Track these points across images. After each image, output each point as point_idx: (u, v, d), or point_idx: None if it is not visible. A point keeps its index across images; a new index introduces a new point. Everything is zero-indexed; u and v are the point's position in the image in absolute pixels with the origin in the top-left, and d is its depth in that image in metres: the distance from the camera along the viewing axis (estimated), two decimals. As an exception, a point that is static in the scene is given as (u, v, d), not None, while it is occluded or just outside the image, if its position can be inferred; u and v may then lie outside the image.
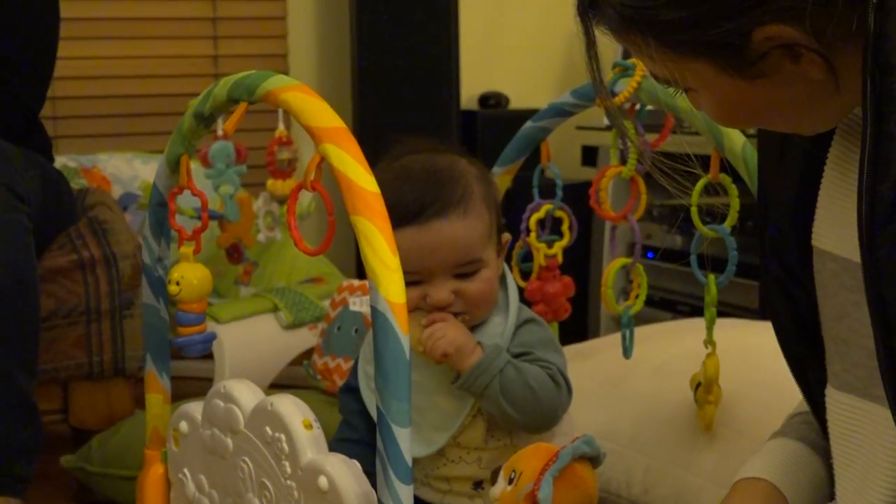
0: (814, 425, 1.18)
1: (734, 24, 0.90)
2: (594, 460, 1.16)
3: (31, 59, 2.21)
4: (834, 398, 1.06)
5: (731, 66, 0.93)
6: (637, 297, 1.60)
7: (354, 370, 1.45)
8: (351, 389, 1.45)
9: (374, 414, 1.38)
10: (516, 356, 1.35)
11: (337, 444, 1.40)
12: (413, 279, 1.30)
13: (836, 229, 1.02)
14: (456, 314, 1.35)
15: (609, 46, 1.05)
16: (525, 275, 1.69)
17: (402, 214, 1.31)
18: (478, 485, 1.38)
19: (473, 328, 1.37)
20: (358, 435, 1.41)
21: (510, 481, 1.15)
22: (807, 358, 1.12)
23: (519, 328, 1.38)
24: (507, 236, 1.41)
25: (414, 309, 1.32)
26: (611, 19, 0.96)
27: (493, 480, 1.18)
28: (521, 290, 1.51)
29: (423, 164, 1.36)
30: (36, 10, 2.21)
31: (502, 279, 1.41)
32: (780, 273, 1.12)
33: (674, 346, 1.81)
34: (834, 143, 1.04)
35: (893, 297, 0.87)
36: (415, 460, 1.35)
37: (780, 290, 1.13)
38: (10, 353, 1.86)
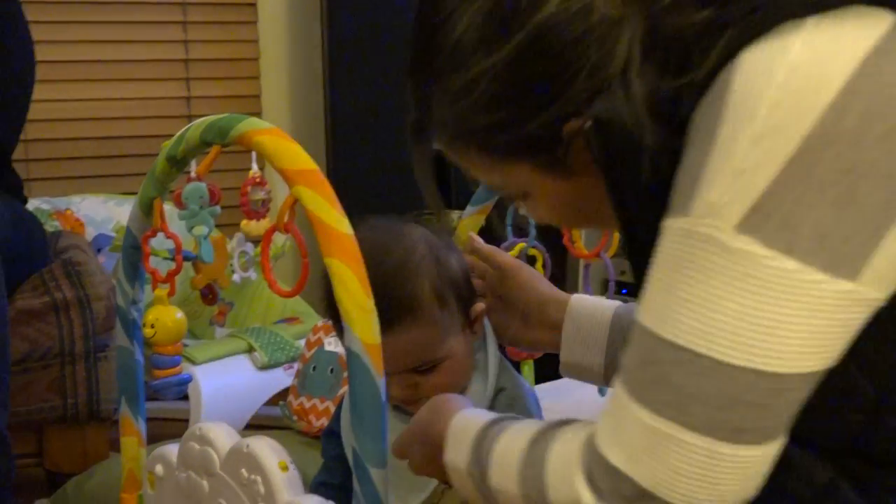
0: None
1: (541, 120, 0.93)
2: None
3: (6, 99, 2.21)
4: None
5: (547, 164, 0.97)
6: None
7: (337, 414, 1.45)
8: (332, 433, 1.44)
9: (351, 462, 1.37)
10: None
11: (316, 487, 1.40)
12: None
13: None
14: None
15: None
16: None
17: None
18: None
19: None
20: (338, 479, 1.40)
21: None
22: None
23: (497, 396, 1.34)
24: (478, 307, 1.35)
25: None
26: (441, 136, 1.02)
27: None
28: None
29: (372, 267, 1.23)
30: (11, 51, 2.21)
31: (483, 339, 1.38)
32: None
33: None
34: None
35: None
36: None
37: None
38: None
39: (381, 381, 1.02)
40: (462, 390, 1.35)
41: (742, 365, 0.82)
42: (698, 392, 0.83)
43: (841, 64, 0.79)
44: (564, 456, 0.92)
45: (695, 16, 0.85)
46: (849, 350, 0.84)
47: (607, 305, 1.36)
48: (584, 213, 1.04)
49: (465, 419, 1.08)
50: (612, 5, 0.87)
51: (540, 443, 0.95)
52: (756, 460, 0.85)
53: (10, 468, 1.91)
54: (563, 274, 3.31)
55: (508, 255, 1.42)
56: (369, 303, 1.02)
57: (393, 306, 1.26)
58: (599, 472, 0.87)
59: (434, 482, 1.33)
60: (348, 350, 1.03)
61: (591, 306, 1.36)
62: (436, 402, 1.15)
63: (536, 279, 1.39)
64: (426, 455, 1.12)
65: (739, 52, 0.82)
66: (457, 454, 1.05)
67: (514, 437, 0.99)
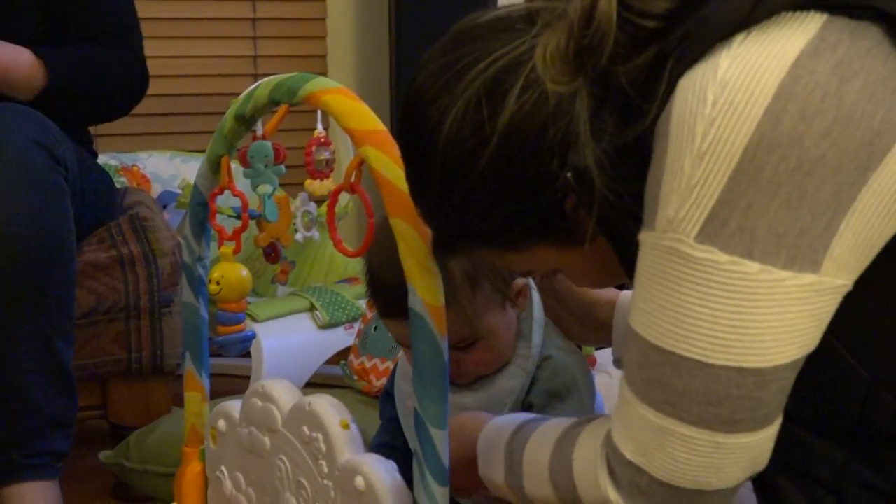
0: None
1: (542, 206, 0.97)
2: None
3: (135, 22, 2.31)
4: None
5: (563, 240, 1.01)
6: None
7: (392, 376, 1.45)
8: (389, 395, 1.45)
9: (405, 429, 1.37)
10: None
11: (377, 448, 1.40)
12: None
13: None
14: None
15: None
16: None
17: (381, 309, 1.33)
18: None
19: (496, 371, 1.35)
20: (399, 441, 1.40)
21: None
22: None
23: (540, 366, 1.34)
24: (518, 283, 1.34)
25: None
26: (461, 248, 1.06)
27: None
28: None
29: (395, 258, 1.21)
30: None
31: (529, 308, 1.36)
32: None
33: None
34: None
35: None
36: None
37: None
38: (47, 317, 1.85)
39: (443, 343, 1.03)
40: (507, 361, 1.35)
41: (724, 364, 0.86)
42: (689, 390, 0.87)
43: (770, 72, 0.82)
44: (588, 455, 0.98)
45: (637, 60, 0.88)
46: (841, 338, 0.88)
47: None
48: (617, 272, 1.06)
49: (490, 434, 1.14)
50: (563, 84, 0.90)
51: (565, 445, 1.01)
52: (756, 443, 0.89)
53: (74, 407, 1.93)
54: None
55: None
56: (433, 264, 1.02)
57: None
58: (618, 466, 0.93)
59: None
60: (411, 311, 1.03)
61: None
62: (458, 427, 1.19)
63: None
64: (469, 479, 1.18)
65: (679, 79, 0.85)
66: (491, 470, 1.12)
67: (540, 443, 1.06)
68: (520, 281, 1.34)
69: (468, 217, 0.99)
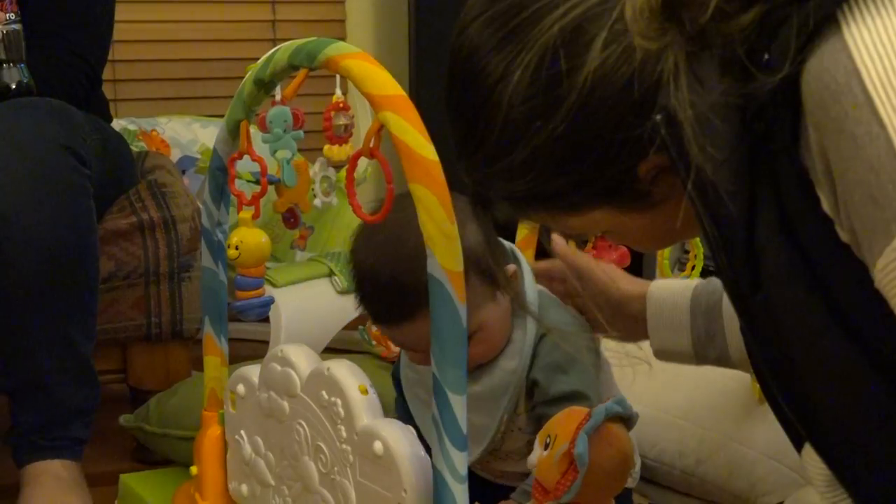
0: None
1: (615, 169, 0.91)
2: (627, 421, 1.14)
3: (92, 16, 2.22)
4: None
5: (626, 203, 0.95)
6: (693, 267, 1.60)
7: (399, 361, 1.45)
8: (397, 380, 1.45)
9: (416, 417, 1.37)
10: (557, 399, 1.28)
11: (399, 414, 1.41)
12: None
13: None
14: None
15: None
16: (581, 245, 1.68)
17: (374, 314, 1.33)
18: (528, 475, 1.36)
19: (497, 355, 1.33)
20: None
21: (546, 447, 1.13)
22: None
23: (540, 341, 1.32)
24: (509, 269, 1.31)
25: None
26: (508, 205, 1.00)
27: (529, 450, 1.17)
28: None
29: (389, 258, 1.25)
30: None
31: (520, 283, 1.34)
32: None
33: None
34: None
35: None
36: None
37: None
38: (69, 316, 1.88)
39: (462, 309, 1.02)
40: (506, 343, 1.33)
41: None
42: None
43: None
44: None
45: (742, 18, 0.81)
46: None
47: (685, 286, 1.35)
48: (669, 236, 1.03)
49: None
50: (652, 38, 0.83)
51: None
52: None
53: (96, 397, 1.96)
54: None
55: (583, 256, 1.41)
56: (453, 229, 1.02)
57: (406, 301, 1.24)
58: None
59: (492, 431, 1.32)
60: (430, 277, 1.03)
61: (669, 292, 1.34)
62: None
63: (613, 276, 1.37)
64: None
65: (824, 31, 0.77)
66: None
67: None
68: (510, 267, 1.32)
69: (529, 178, 0.93)
